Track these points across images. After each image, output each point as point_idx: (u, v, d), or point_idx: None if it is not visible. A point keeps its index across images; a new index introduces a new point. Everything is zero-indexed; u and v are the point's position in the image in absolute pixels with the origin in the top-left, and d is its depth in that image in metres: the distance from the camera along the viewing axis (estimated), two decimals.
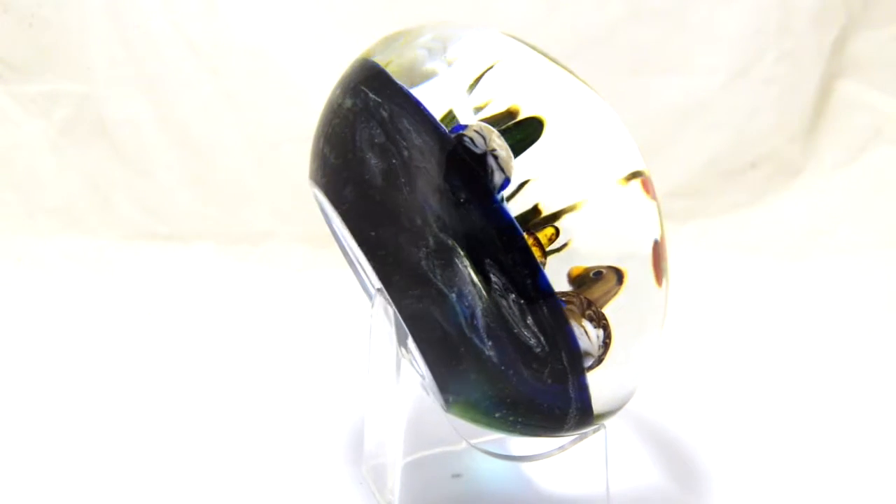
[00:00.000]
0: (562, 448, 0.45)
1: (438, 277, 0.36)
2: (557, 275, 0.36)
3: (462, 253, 0.36)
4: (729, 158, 0.92)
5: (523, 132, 0.36)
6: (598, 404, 0.39)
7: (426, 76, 0.38)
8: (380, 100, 0.38)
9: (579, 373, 0.37)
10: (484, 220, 0.35)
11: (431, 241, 0.36)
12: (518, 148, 0.36)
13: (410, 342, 0.39)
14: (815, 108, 0.93)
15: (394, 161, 0.37)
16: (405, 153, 0.37)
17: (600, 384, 0.38)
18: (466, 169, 0.36)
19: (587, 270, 0.36)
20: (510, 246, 0.35)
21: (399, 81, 0.38)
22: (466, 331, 0.36)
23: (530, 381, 0.37)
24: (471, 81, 0.37)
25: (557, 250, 0.36)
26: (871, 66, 0.93)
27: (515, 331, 0.36)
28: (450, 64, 0.38)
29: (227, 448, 0.52)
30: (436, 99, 0.37)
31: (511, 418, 0.39)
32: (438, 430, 0.45)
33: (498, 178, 0.36)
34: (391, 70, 0.39)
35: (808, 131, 0.94)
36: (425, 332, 0.37)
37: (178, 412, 0.56)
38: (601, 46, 0.88)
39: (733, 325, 0.71)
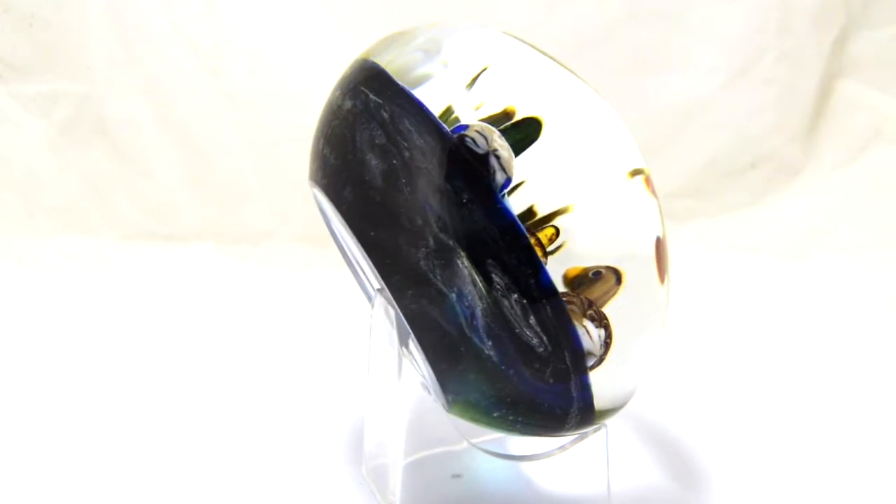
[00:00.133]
0: (562, 448, 0.45)
1: (438, 277, 0.36)
2: (558, 275, 0.36)
3: (463, 253, 0.36)
4: (729, 158, 0.93)
5: (522, 132, 0.36)
6: (599, 403, 0.39)
7: (426, 76, 0.38)
8: (380, 101, 0.38)
9: (582, 372, 0.37)
10: (486, 220, 0.35)
11: (431, 242, 0.36)
12: (518, 148, 0.36)
13: (411, 342, 0.39)
14: (815, 108, 0.94)
15: (394, 162, 0.37)
16: (406, 154, 0.37)
17: (602, 383, 0.38)
18: (469, 169, 0.36)
19: (586, 270, 0.36)
20: (513, 246, 0.35)
21: (400, 82, 0.38)
22: (466, 330, 0.36)
23: (531, 381, 0.37)
24: (470, 81, 0.37)
25: (558, 250, 0.36)
26: (871, 66, 0.94)
27: (517, 331, 0.36)
28: (450, 64, 0.38)
29: (227, 448, 0.52)
30: (437, 99, 0.37)
31: (511, 417, 0.39)
32: (438, 430, 0.45)
33: (500, 177, 0.36)
34: (391, 70, 0.39)
35: (808, 131, 0.94)
36: (425, 332, 0.37)
37: (178, 412, 0.56)
38: (601, 46, 0.88)
39: (733, 325, 0.71)
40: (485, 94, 0.37)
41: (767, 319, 0.72)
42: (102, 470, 0.50)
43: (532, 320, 0.36)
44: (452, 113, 0.37)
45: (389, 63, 0.39)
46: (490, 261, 0.35)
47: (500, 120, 0.36)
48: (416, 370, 0.43)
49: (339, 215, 0.39)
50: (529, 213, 0.36)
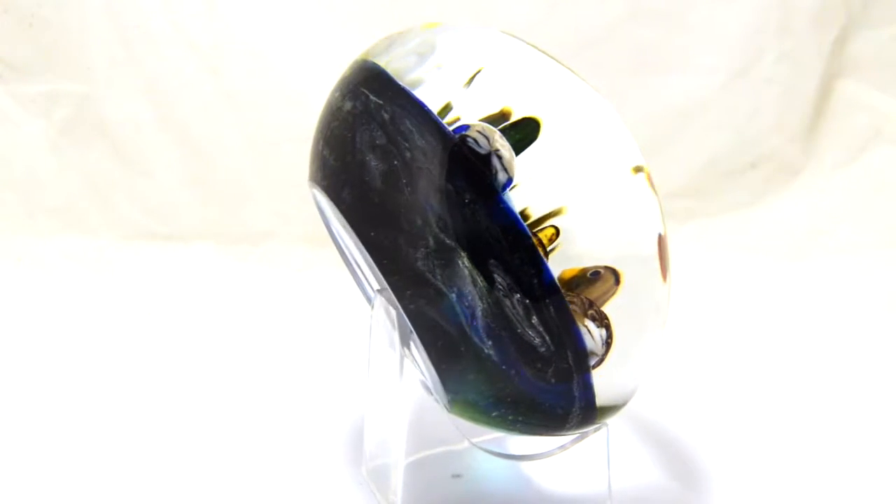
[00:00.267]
0: (563, 447, 0.45)
1: (438, 277, 0.36)
2: (558, 275, 0.36)
3: (463, 253, 0.36)
4: (729, 158, 0.93)
5: (522, 132, 0.36)
6: (601, 402, 0.39)
7: (426, 76, 0.38)
8: (381, 101, 0.38)
9: (584, 371, 0.37)
10: (489, 220, 0.35)
11: (431, 242, 0.36)
12: (518, 147, 0.36)
13: (412, 342, 0.39)
14: (815, 108, 0.94)
15: (395, 162, 0.37)
16: (407, 154, 0.37)
17: (604, 382, 0.38)
18: (471, 169, 0.36)
19: (585, 271, 0.36)
20: (515, 246, 0.35)
21: (400, 82, 0.38)
22: (466, 330, 0.36)
23: (532, 381, 0.37)
24: (468, 81, 0.37)
25: (558, 250, 0.36)
26: (871, 66, 0.94)
27: (519, 331, 0.36)
28: (450, 64, 0.38)
29: (227, 449, 0.52)
30: (437, 99, 0.37)
31: (511, 417, 0.39)
32: (439, 430, 0.45)
33: (502, 177, 0.36)
34: (391, 71, 0.39)
35: (808, 131, 0.94)
36: (425, 332, 0.37)
37: (178, 412, 0.56)
38: (601, 46, 0.88)
39: (733, 325, 0.71)
40: (487, 94, 0.37)
41: (767, 319, 0.72)
42: (103, 470, 0.50)
43: (534, 320, 0.36)
44: (455, 113, 0.36)
45: (389, 63, 0.39)
46: (492, 261, 0.35)
47: (499, 120, 0.36)
48: (416, 370, 0.43)
49: (339, 216, 0.39)
50: (530, 212, 0.36)
